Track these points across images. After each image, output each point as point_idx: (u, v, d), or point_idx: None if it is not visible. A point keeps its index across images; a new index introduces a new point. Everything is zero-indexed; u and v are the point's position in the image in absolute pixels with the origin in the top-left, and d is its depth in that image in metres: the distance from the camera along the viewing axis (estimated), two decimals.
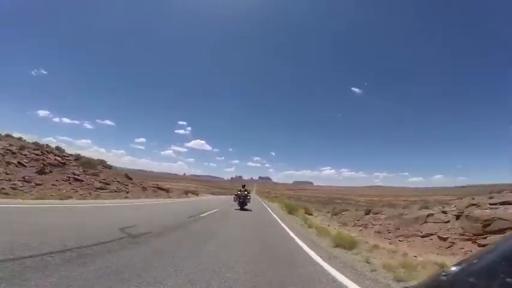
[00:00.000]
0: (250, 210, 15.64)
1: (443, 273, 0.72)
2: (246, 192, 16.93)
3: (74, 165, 16.68)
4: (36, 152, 15.11)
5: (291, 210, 18.10)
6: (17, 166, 12.73)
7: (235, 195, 17.28)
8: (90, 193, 14.03)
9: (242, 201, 16.32)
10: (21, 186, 11.05)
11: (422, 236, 10.85)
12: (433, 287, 0.73)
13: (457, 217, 10.61)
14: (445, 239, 9.88)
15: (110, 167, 21.97)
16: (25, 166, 13.18)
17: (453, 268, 0.72)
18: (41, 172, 13.36)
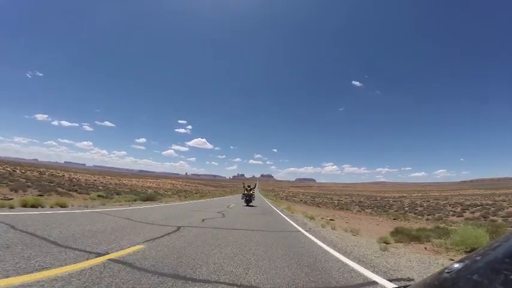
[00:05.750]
0: (256, 206, 19.77)
1: (446, 270, 0.70)
2: (251, 192, 21.27)
3: None
4: None
5: None
6: None
7: (243, 194, 21.38)
8: None
9: (248, 199, 20.72)
10: None
11: None
12: (436, 284, 0.71)
13: None
14: None
15: None
16: None
17: (456, 265, 0.70)
18: None
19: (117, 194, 20.26)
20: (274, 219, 12.11)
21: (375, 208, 32.23)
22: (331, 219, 14.27)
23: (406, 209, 30.33)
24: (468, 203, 45.14)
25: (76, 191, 19.28)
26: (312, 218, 13.42)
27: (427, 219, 19.58)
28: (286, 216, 14.16)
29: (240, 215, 12.22)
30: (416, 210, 28.12)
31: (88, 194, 18.21)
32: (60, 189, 17.50)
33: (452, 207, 31.45)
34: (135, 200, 13.27)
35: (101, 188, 33.78)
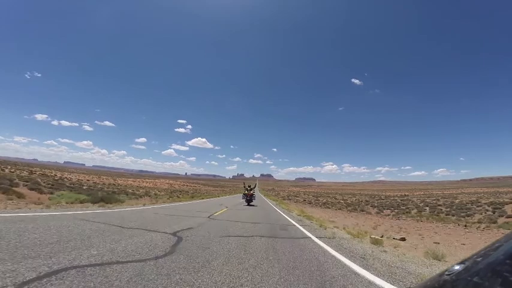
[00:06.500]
0: (256, 206, 20.01)
1: (446, 272, 0.68)
2: (252, 192, 22.01)
3: None
4: None
5: None
6: None
7: (244, 194, 22.20)
8: None
9: (249, 199, 21.38)
10: None
11: None
12: (436, 286, 0.69)
13: None
14: None
15: None
16: None
17: (457, 267, 0.68)
18: None
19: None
20: (313, 266, 3.86)
21: (392, 209, 28.80)
22: (402, 239, 9.09)
23: (426, 208, 27.06)
24: (484, 201, 41.88)
25: (39, 189, 16.21)
26: (376, 242, 6.45)
27: (479, 222, 16.23)
28: (324, 243, 5.92)
29: (220, 246, 4.74)
30: (440, 210, 24.77)
31: (53, 194, 15.01)
32: (15, 188, 14.36)
33: (478, 206, 28.01)
34: (81, 202, 9.53)
35: (84, 188, 30.54)
